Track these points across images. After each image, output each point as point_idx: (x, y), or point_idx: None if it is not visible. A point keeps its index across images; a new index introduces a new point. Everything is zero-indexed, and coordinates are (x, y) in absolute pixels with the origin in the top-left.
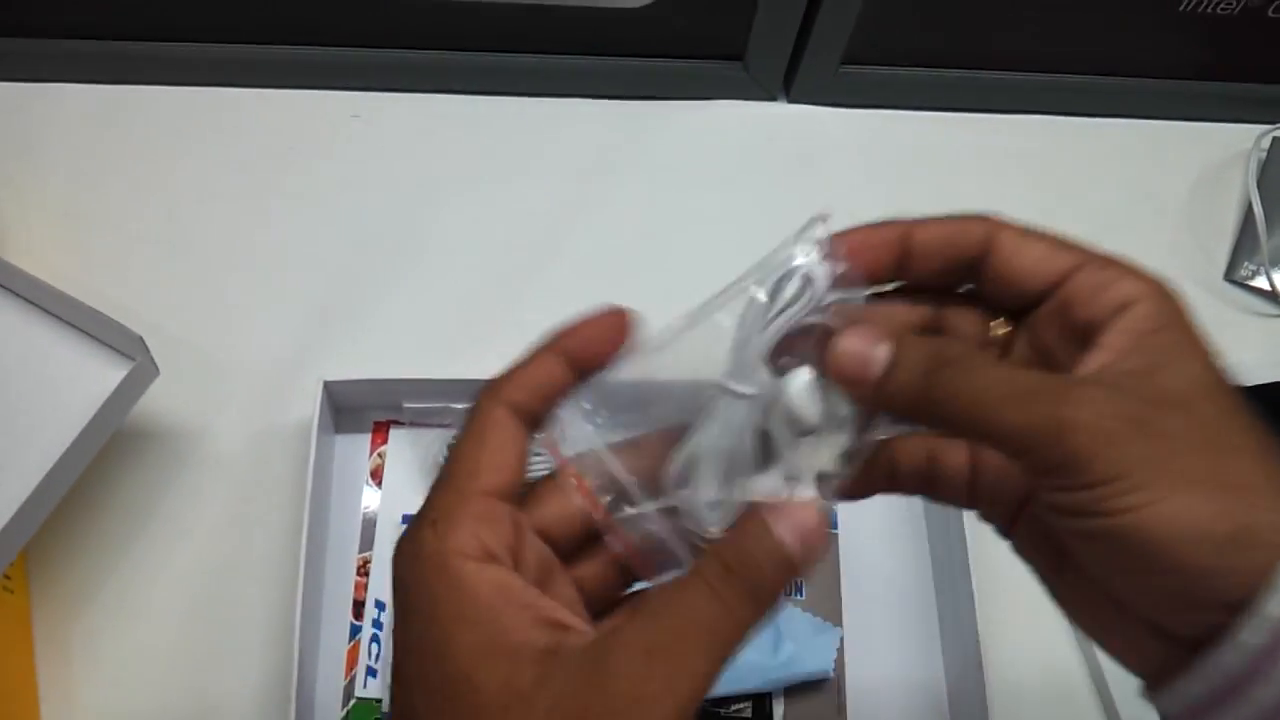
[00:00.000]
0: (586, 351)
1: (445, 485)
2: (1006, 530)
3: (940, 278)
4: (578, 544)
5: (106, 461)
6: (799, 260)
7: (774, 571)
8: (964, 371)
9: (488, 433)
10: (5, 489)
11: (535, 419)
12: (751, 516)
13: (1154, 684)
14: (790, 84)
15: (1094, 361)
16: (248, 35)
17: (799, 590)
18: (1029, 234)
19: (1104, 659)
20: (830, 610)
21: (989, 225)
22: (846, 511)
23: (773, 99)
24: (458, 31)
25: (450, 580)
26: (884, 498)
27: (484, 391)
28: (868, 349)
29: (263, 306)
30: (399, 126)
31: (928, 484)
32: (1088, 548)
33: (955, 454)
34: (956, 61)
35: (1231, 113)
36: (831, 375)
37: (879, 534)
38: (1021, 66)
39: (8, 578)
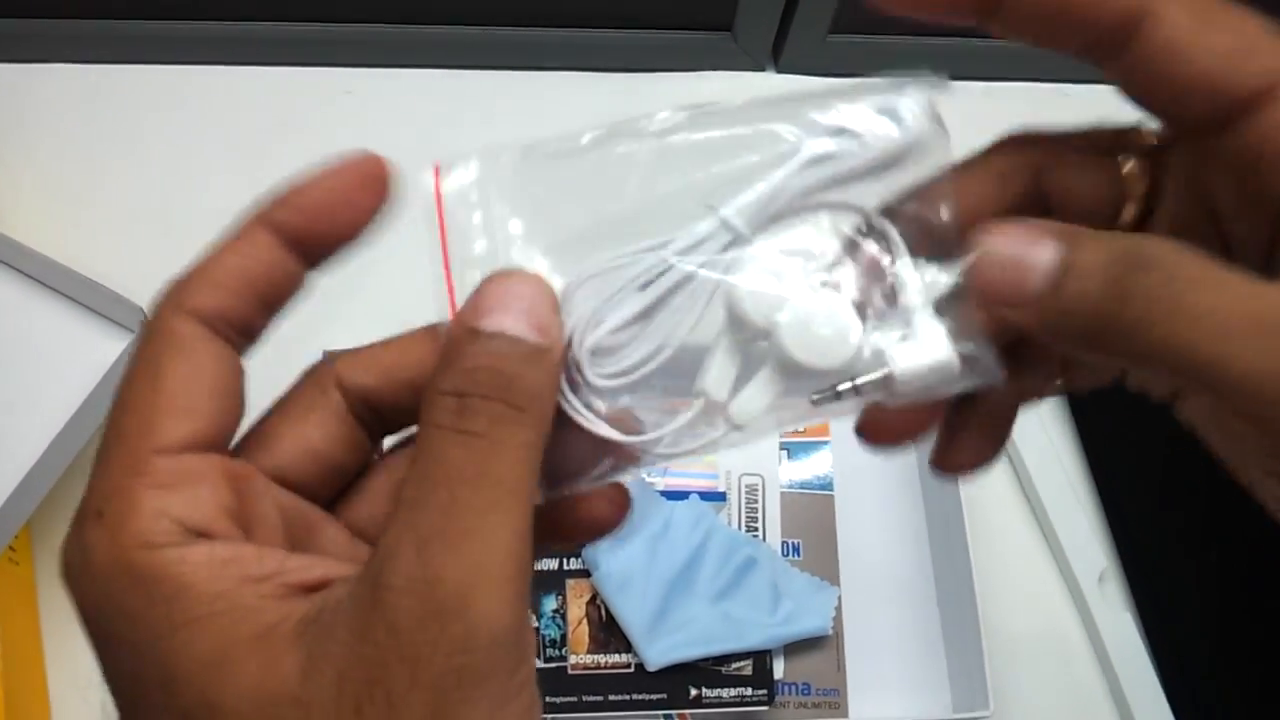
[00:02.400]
0: (313, 223)
1: (108, 452)
2: (1171, 400)
3: (1044, 38)
4: (355, 466)
5: None
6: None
7: (519, 368)
8: (1175, 283)
9: (165, 361)
10: (8, 461)
11: (244, 325)
12: (451, 334)
13: None
14: (779, 54)
15: None
16: (239, 12)
17: (796, 550)
18: (1209, 11)
19: (1095, 608)
20: (828, 570)
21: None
22: (843, 473)
23: (761, 69)
24: (448, 6)
25: (144, 585)
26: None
27: (161, 299)
28: (1025, 249)
29: None
30: (391, 101)
31: (1063, 380)
32: None
33: None
34: (943, 29)
35: None
36: (976, 289)
37: (875, 494)
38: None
39: (13, 550)
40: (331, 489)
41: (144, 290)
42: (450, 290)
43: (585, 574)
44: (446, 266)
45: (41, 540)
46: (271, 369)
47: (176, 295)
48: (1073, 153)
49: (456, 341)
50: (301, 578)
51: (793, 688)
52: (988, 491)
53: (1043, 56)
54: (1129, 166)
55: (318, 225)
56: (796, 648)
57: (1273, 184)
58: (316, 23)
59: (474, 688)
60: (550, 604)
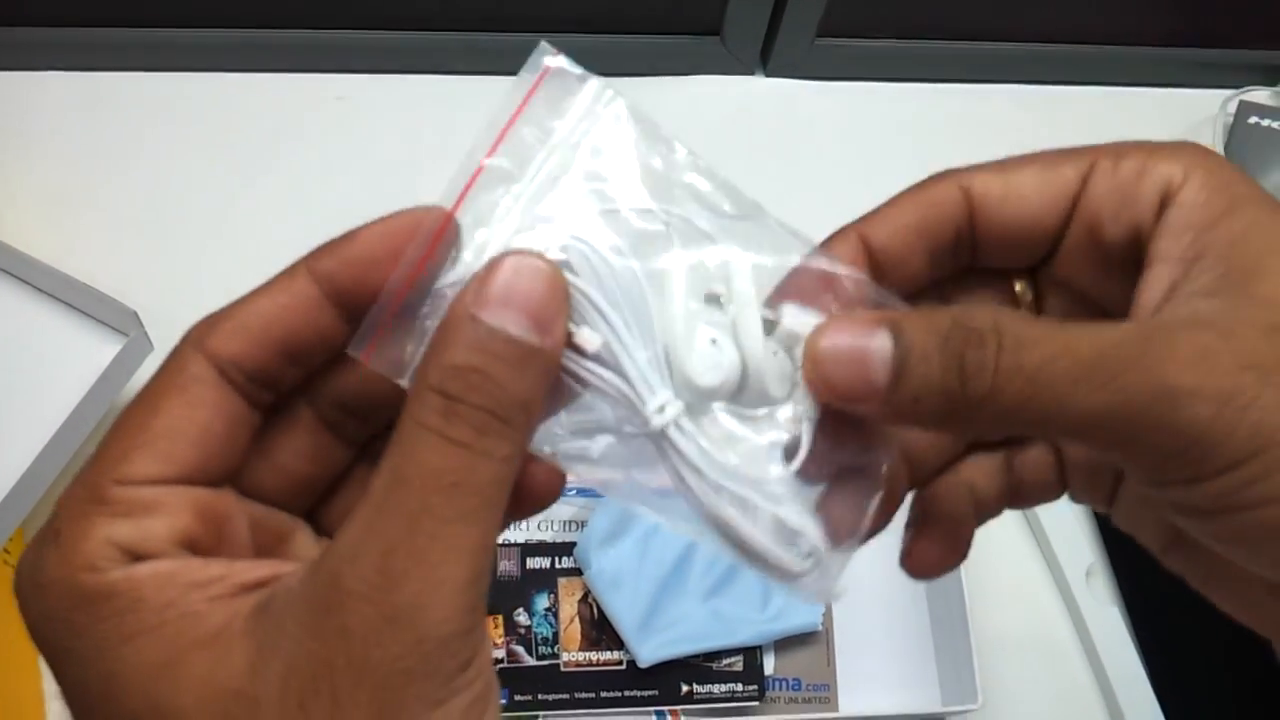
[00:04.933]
0: (360, 276)
1: (83, 474)
2: (1106, 506)
3: (928, 275)
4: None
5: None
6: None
7: (510, 375)
8: (1006, 351)
9: (163, 399)
10: (3, 464)
11: (263, 376)
12: (450, 315)
13: None
14: (767, 58)
15: (1156, 284)
16: (231, 20)
17: None
18: (1007, 166)
19: (1083, 603)
20: None
21: (954, 184)
22: None
23: (750, 73)
24: (437, 12)
25: (93, 602)
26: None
27: (187, 334)
28: (862, 340)
29: (252, 286)
30: (381, 107)
31: (1014, 498)
32: (1225, 547)
33: (1037, 451)
34: (930, 33)
35: (1198, 78)
36: (817, 391)
37: None
38: (994, 36)
39: (7, 552)
40: (231, 470)
41: (138, 294)
42: (463, 192)
43: (577, 572)
44: (495, 147)
45: None
46: None
47: (199, 333)
48: (966, 277)
49: (454, 325)
50: (247, 577)
51: (783, 683)
52: None
53: (1016, 60)
54: (1019, 286)
55: (365, 278)
56: (787, 644)
57: (1112, 240)
58: (309, 29)
59: (421, 684)
60: (542, 602)
